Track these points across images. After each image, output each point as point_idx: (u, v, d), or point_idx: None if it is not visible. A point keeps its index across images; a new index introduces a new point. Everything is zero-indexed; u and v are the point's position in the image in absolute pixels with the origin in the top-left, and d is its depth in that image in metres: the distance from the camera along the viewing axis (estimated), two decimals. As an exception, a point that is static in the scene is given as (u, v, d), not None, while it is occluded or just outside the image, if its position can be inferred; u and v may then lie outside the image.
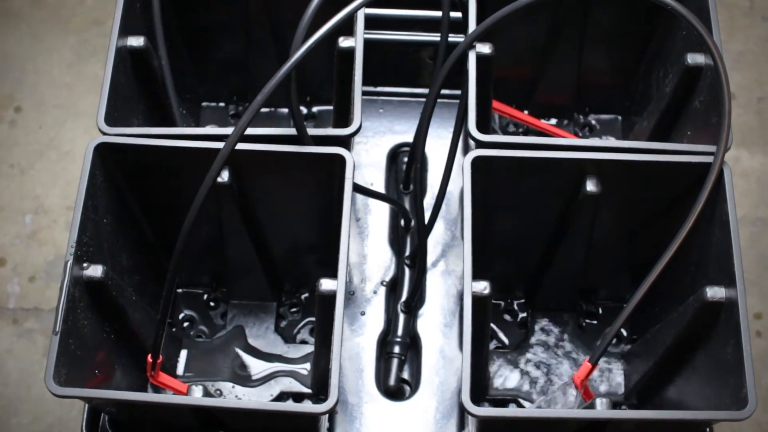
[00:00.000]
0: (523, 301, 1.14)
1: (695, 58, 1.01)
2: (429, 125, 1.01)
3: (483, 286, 0.91)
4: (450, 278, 1.12)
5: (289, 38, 0.94)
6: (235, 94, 1.23)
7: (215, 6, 1.14)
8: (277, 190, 1.00)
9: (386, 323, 1.09)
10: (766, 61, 1.77)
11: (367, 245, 1.13)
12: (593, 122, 1.24)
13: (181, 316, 1.13)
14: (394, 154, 1.20)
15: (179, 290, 1.14)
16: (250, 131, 0.95)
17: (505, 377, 1.10)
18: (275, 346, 1.11)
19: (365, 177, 1.17)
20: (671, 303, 0.99)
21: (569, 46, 1.15)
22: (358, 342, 1.08)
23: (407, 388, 1.07)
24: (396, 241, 1.14)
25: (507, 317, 1.14)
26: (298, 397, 1.09)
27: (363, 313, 1.10)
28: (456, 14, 1.07)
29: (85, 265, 0.92)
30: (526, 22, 1.08)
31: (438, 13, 1.07)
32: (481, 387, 1.07)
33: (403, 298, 1.10)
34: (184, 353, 1.10)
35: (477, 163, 0.95)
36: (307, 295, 1.14)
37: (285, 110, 1.23)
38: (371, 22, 1.15)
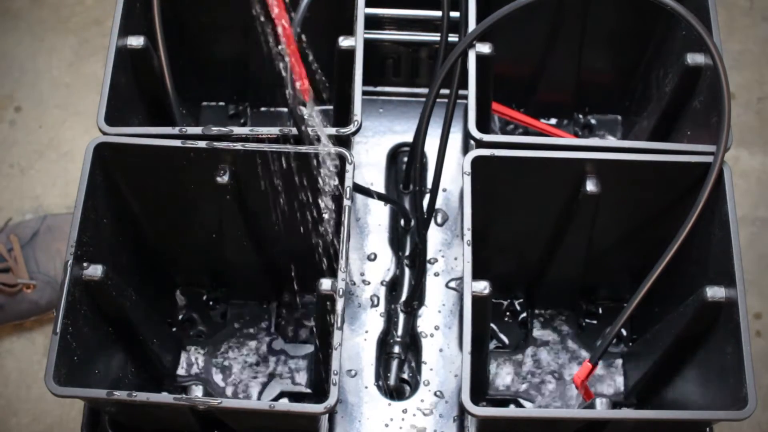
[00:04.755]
0: (523, 301, 1.14)
1: (695, 58, 1.01)
2: (429, 125, 1.01)
3: (483, 286, 0.91)
4: (450, 278, 1.12)
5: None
6: (235, 93, 1.23)
7: (215, 6, 1.14)
8: (277, 190, 0.99)
9: (386, 323, 1.09)
10: (766, 61, 1.77)
11: (367, 245, 1.13)
12: (593, 122, 1.24)
13: (181, 316, 1.13)
14: (394, 154, 1.20)
15: (179, 290, 1.14)
16: (250, 131, 0.95)
17: (505, 377, 1.10)
18: (275, 346, 1.11)
19: (365, 177, 1.17)
20: (671, 303, 0.99)
21: (569, 45, 1.15)
22: (358, 342, 1.08)
23: (407, 388, 1.07)
24: (396, 241, 1.14)
25: (507, 317, 1.14)
26: (298, 397, 1.09)
27: (363, 313, 1.10)
28: (456, 14, 1.07)
29: (85, 265, 0.92)
30: (526, 22, 1.08)
31: (438, 13, 1.07)
32: (481, 387, 1.07)
33: (403, 298, 1.10)
34: (184, 353, 1.11)
35: (477, 163, 0.95)
36: (307, 295, 1.14)
37: (285, 110, 1.23)
38: (371, 22, 1.15)
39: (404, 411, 1.05)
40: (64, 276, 0.89)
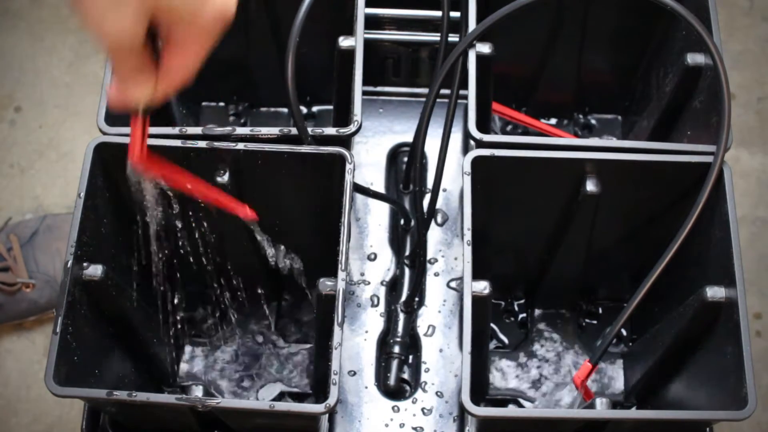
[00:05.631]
0: (523, 301, 1.14)
1: (695, 58, 1.01)
2: (429, 125, 1.01)
3: (483, 286, 0.91)
4: (450, 278, 1.12)
5: (288, 37, 0.94)
6: (235, 93, 1.23)
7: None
8: (277, 190, 1.00)
9: (386, 323, 1.09)
10: (766, 61, 1.77)
11: (367, 245, 1.13)
12: (593, 122, 1.24)
13: (181, 316, 1.13)
14: (394, 154, 1.20)
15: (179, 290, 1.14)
16: (250, 131, 0.95)
17: (505, 377, 1.10)
18: (275, 346, 1.11)
19: (365, 177, 1.17)
20: (671, 303, 0.99)
21: (569, 45, 1.15)
22: (358, 342, 1.08)
23: (407, 388, 1.07)
24: (396, 241, 1.14)
25: (507, 317, 1.14)
26: (298, 397, 1.09)
27: (363, 313, 1.10)
28: (456, 14, 1.07)
29: (85, 265, 0.91)
30: (526, 21, 1.08)
31: (438, 13, 1.07)
32: (481, 387, 1.07)
33: (403, 298, 1.10)
34: (183, 353, 1.11)
35: (477, 163, 0.95)
36: (306, 295, 1.14)
37: (285, 110, 1.23)
38: (371, 22, 1.15)
39: (404, 411, 1.05)
40: (64, 276, 0.89)
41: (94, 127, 0.96)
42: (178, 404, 0.87)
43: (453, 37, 1.06)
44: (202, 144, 0.95)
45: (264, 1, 1.12)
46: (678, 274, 0.96)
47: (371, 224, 1.15)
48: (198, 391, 0.88)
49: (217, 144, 0.95)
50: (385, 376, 1.07)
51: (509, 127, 1.23)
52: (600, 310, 1.14)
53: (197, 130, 0.96)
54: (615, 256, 1.09)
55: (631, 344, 1.11)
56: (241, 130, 0.95)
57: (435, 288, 1.11)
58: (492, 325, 1.12)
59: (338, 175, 0.94)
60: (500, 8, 0.98)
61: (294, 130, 0.95)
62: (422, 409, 1.05)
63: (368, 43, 1.02)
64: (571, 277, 1.09)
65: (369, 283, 1.12)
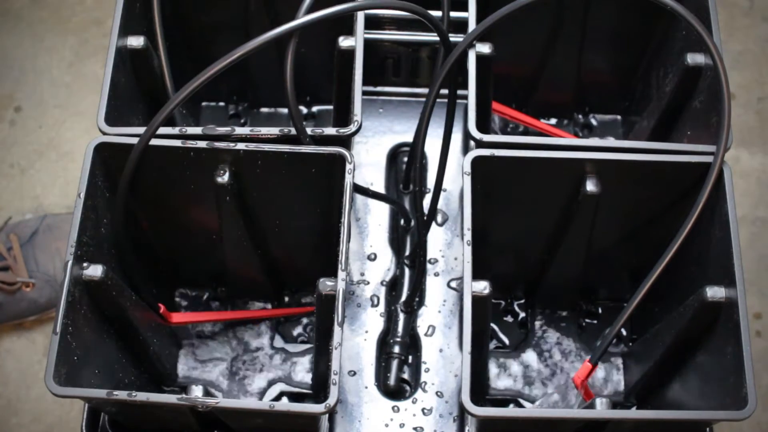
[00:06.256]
0: (523, 301, 1.14)
1: (695, 58, 1.01)
2: (428, 125, 1.01)
3: (483, 286, 0.91)
4: (450, 278, 1.12)
5: (287, 38, 0.94)
6: (235, 93, 1.23)
7: (215, 6, 1.14)
8: (277, 190, 1.00)
9: (386, 323, 1.09)
10: (766, 61, 1.77)
11: (367, 245, 1.13)
12: (593, 122, 1.24)
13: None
14: (394, 154, 1.20)
15: (179, 290, 1.14)
16: (250, 131, 0.95)
17: (505, 377, 1.10)
18: (275, 346, 1.11)
19: (365, 177, 1.17)
20: (671, 303, 0.99)
21: (569, 45, 1.15)
22: (358, 342, 1.08)
23: (407, 388, 1.07)
24: (396, 241, 1.14)
25: (507, 317, 1.14)
26: (297, 397, 1.09)
27: (363, 313, 1.10)
28: (456, 14, 1.07)
29: (85, 265, 0.92)
30: (526, 21, 1.08)
31: (438, 13, 1.07)
32: (481, 387, 1.07)
33: (403, 298, 1.10)
34: (183, 353, 1.11)
35: (477, 163, 0.95)
36: (307, 295, 1.14)
37: (285, 110, 1.23)
38: (371, 22, 1.15)
39: (404, 411, 1.05)
40: (64, 276, 0.89)
41: (94, 127, 0.96)
42: (178, 404, 0.87)
43: (453, 37, 1.06)
44: (202, 144, 0.95)
45: (264, 1, 1.12)
46: (678, 274, 0.96)
47: (371, 224, 1.15)
48: (198, 391, 0.88)
49: (217, 144, 0.95)
50: (385, 376, 1.07)
51: (509, 127, 1.23)
52: (600, 310, 1.14)
53: (197, 130, 0.96)
54: (615, 256, 1.09)
55: (631, 344, 1.11)
56: (241, 130, 0.96)
57: (435, 288, 1.11)
58: (492, 325, 1.12)
59: (338, 175, 0.94)
60: (500, 8, 0.98)
61: (294, 130, 0.95)
62: (422, 409, 1.05)
63: (368, 43, 1.03)
64: (571, 277, 1.09)
65: (369, 283, 1.12)
